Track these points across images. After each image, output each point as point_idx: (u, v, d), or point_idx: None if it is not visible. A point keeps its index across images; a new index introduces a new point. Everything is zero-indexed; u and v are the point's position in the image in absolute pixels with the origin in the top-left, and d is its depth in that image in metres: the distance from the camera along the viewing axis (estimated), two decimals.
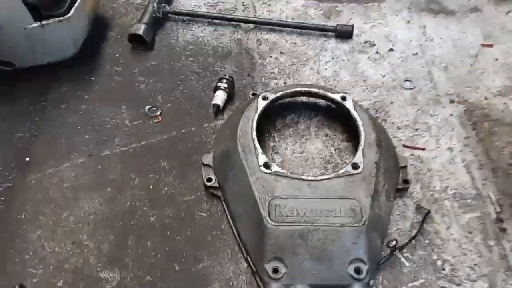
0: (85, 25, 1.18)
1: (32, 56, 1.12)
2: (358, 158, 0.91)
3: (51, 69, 1.16)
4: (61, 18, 1.08)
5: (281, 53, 1.26)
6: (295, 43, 1.29)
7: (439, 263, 0.90)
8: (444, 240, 0.93)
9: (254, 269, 0.85)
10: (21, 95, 1.15)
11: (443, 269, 0.89)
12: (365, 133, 0.94)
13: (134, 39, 1.25)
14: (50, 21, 1.07)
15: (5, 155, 1.04)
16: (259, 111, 0.98)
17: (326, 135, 1.08)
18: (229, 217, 0.94)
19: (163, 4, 1.31)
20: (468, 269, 0.89)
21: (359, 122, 0.96)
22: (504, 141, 1.08)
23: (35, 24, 1.05)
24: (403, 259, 0.90)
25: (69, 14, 1.08)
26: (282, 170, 0.89)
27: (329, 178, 0.88)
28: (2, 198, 0.97)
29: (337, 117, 1.10)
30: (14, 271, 0.88)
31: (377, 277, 0.87)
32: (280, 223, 0.83)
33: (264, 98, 1.01)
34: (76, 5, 1.10)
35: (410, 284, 0.87)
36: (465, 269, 0.89)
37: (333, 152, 1.05)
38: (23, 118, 1.11)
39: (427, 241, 0.92)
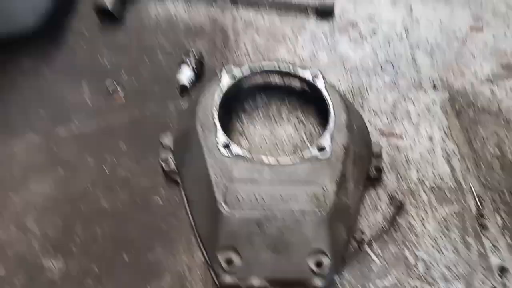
0: None
1: None
2: (326, 141, 0.83)
3: (11, 41, 1.09)
4: None
5: (257, 30, 1.18)
6: (272, 21, 1.21)
7: (412, 260, 0.82)
8: (419, 235, 0.85)
9: (208, 261, 0.78)
10: None
11: (416, 268, 0.81)
12: (335, 115, 0.87)
13: (103, 12, 1.17)
14: None
15: None
16: (223, 87, 0.90)
17: (298, 120, 1.01)
18: (185, 203, 0.86)
19: None
20: (443, 269, 0.81)
21: (329, 102, 0.88)
22: (489, 131, 1.00)
23: None
24: (372, 255, 0.82)
25: None
26: (243, 152, 0.82)
27: (293, 164, 0.81)
28: None
29: (310, 100, 1.02)
30: None
31: (343, 273, 0.80)
32: (236, 208, 0.76)
33: (229, 73, 0.93)
34: None
35: (379, 282, 0.80)
36: (440, 268, 0.81)
37: (304, 137, 0.98)
38: None
39: (399, 237, 0.85)
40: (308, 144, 0.96)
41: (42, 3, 1.10)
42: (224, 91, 0.91)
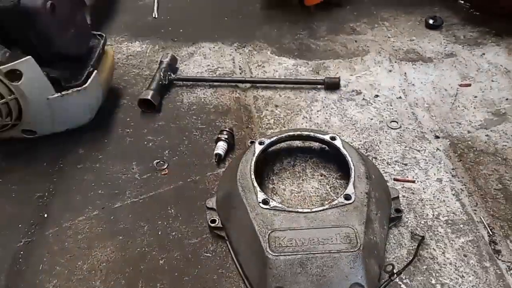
0: (100, 95, 1.32)
1: (52, 124, 1.25)
2: (350, 189, 0.97)
3: (68, 134, 1.29)
4: (79, 88, 1.21)
5: (276, 106, 1.38)
6: (288, 96, 1.41)
7: (438, 287, 0.92)
8: (441, 264, 0.96)
9: None
10: (41, 159, 1.26)
11: None
12: (355, 167, 1.02)
13: (144, 103, 1.38)
14: (69, 91, 1.20)
15: (25, 213, 1.13)
16: (256, 154, 1.07)
17: (321, 175, 1.16)
18: (233, 254, 0.99)
19: (168, 73, 1.46)
20: None
21: (349, 158, 1.04)
22: (490, 169, 1.14)
23: (56, 95, 1.18)
24: (402, 285, 0.93)
25: (85, 85, 1.22)
26: (280, 205, 0.96)
27: (323, 210, 0.94)
28: (22, 252, 1.04)
29: (330, 158, 1.18)
30: None
31: None
32: (280, 253, 0.88)
33: (261, 143, 1.11)
34: (91, 77, 1.25)
35: None
36: None
37: (329, 189, 1.12)
38: (42, 178, 1.21)
39: (424, 267, 0.95)
40: (334, 196, 1.10)
41: (96, 102, 1.30)
42: (256, 158, 1.08)
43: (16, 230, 1.08)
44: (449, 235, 1.01)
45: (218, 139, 1.24)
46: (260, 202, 0.97)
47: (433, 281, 0.93)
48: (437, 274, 0.94)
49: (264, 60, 1.57)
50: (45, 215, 1.12)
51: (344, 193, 0.97)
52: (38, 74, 1.14)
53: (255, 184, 1.01)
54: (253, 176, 1.03)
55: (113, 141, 1.31)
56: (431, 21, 1.64)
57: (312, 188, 1.13)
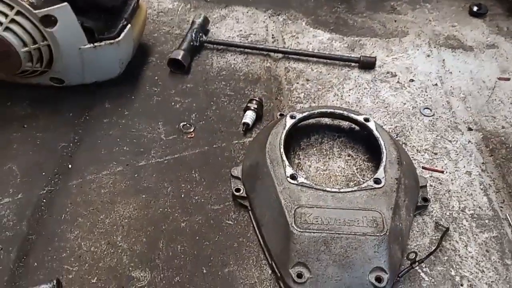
0: (131, 50, 1.30)
1: (82, 75, 1.24)
2: (380, 173, 0.96)
3: (96, 87, 1.28)
4: (112, 41, 1.19)
5: (307, 80, 1.35)
6: (320, 71, 1.38)
7: (457, 278, 0.93)
8: (462, 257, 0.96)
9: (279, 274, 0.89)
10: (67, 109, 1.25)
11: (461, 285, 0.91)
12: (387, 151, 1.00)
13: (173, 63, 1.36)
14: (102, 43, 1.18)
15: (49, 161, 1.13)
16: (287, 127, 1.06)
17: (349, 155, 1.15)
18: (255, 225, 0.99)
19: (200, 34, 1.43)
20: (485, 286, 0.91)
21: (381, 141, 1.02)
22: None
23: (88, 45, 1.16)
24: (422, 274, 0.93)
25: (118, 38, 1.20)
26: (308, 182, 0.95)
27: (352, 191, 0.94)
28: (44, 200, 1.05)
29: (359, 138, 1.17)
30: (52, 267, 0.94)
31: None
32: (305, 229, 0.88)
33: (292, 117, 1.09)
34: (125, 31, 1.22)
35: None
36: (483, 286, 0.91)
37: (355, 170, 1.11)
38: (67, 129, 1.20)
39: (445, 258, 0.96)
40: (360, 178, 1.09)
41: (127, 56, 1.28)
42: (286, 132, 1.06)
43: (40, 178, 1.09)
44: (473, 229, 1.00)
45: (247, 108, 1.22)
46: (288, 177, 0.96)
47: (453, 273, 0.93)
48: (457, 266, 0.94)
49: (298, 31, 1.52)
50: (69, 166, 1.12)
51: (374, 177, 0.96)
52: (73, 22, 1.11)
53: (284, 158, 1.00)
54: (282, 150, 1.02)
55: (140, 98, 1.30)
56: (475, 8, 1.58)
57: (338, 167, 1.12)
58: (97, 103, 1.28)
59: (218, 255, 0.96)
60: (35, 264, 0.94)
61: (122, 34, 1.20)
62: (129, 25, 1.23)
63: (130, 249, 0.97)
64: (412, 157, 1.13)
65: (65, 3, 1.08)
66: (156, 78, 1.36)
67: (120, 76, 1.29)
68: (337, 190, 0.94)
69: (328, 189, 0.94)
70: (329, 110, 1.11)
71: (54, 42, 1.12)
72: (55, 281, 0.89)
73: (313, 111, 1.11)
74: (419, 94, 1.31)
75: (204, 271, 0.94)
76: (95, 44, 1.17)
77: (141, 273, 0.94)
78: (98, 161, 1.13)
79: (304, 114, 1.11)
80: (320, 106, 1.15)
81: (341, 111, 1.11)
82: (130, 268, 0.94)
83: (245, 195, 1.03)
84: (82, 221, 1.02)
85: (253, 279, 0.93)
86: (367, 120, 1.08)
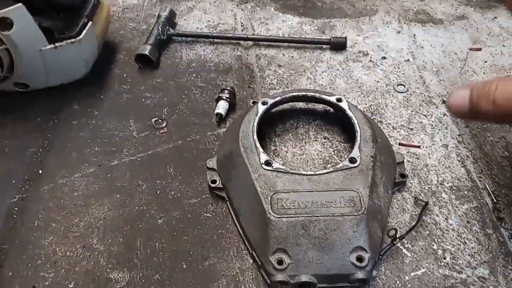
0: (95, 48, 1.26)
1: (46, 78, 1.19)
2: (355, 152, 0.95)
3: (63, 89, 1.24)
4: (73, 40, 1.15)
5: (279, 65, 1.33)
6: (292, 56, 1.36)
7: (439, 252, 0.92)
8: (444, 230, 0.95)
9: (260, 262, 0.88)
10: (34, 114, 1.21)
11: (444, 258, 0.91)
12: (361, 130, 0.99)
13: (141, 59, 1.33)
14: (63, 43, 1.14)
15: (19, 169, 1.09)
16: (259, 114, 1.04)
17: (325, 138, 1.13)
18: (233, 215, 0.97)
19: (167, 27, 1.40)
20: (468, 257, 0.90)
21: (354, 120, 1.01)
22: (497, 136, 1.12)
23: (49, 46, 1.12)
24: (404, 250, 0.92)
25: (80, 37, 1.16)
26: (283, 167, 0.93)
27: (327, 172, 0.92)
28: (16, 208, 1.01)
29: (334, 120, 1.15)
30: (27, 276, 0.91)
31: (379, 267, 0.89)
32: (282, 215, 0.86)
33: (264, 103, 1.07)
34: (86, 28, 1.18)
35: (412, 274, 0.89)
36: (466, 257, 0.90)
37: (332, 152, 1.09)
38: (36, 134, 1.17)
39: (427, 232, 0.95)
40: (338, 159, 1.07)
41: (91, 55, 1.25)
42: (259, 119, 1.04)
43: (10, 186, 1.05)
44: (453, 202, 0.99)
45: (219, 98, 1.19)
46: (262, 164, 0.94)
47: (435, 247, 0.92)
48: (439, 240, 0.93)
49: (267, 17, 1.50)
50: (40, 171, 1.09)
51: (349, 156, 0.94)
52: (30, 23, 1.07)
53: (258, 145, 0.98)
54: (255, 137, 0.99)
55: (109, 97, 1.26)
56: None
57: (315, 151, 1.10)
58: (65, 105, 1.24)
59: (198, 249, 0.94)
60: (10, 273, 0.91)
61: (83, 32, 1.17)
62: (90, 23, 1.19)
63: (107, 250, 0.95)
64: (388, 134, 1.12)
65: (19, 4, 1.04)
66: (124, 75, 1.33)
67: (87, 76, 1.25)
68: (312, 172, 0.92)
69: (303, 172, 0.92)
70: (301, 93, 1.09)
71: (13, 45, 1.08)
72: None
73: (285, 96, 1.09)
74: (392, 71, 1.30)
75: (184, 266, 0.92)
76: (56, 44, 1.13)
77: (120, 274, 0.91)
78: (69, 164, 1.10)
79: (276, 99, 1.08)
80: (292, 90, 1.13)
81: (313, 93, 1.09)
82: (108, 270, 0.91)
83: (222, 186, 1.00)
84: (55, 226, 0.98)
85: (234, 270, 0.91)
86: (339, 100, 1.07)
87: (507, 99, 0.73)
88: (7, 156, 1.11)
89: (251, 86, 1.28)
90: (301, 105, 1.20)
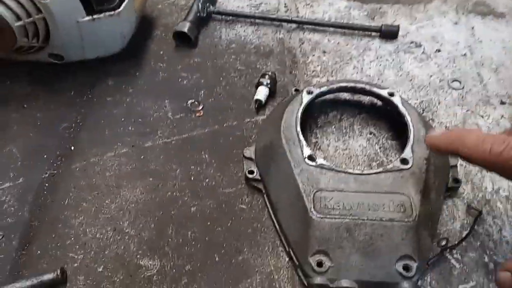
0: (133, 22, 1.21)
1: (82, 50, 1.15)
2: (407, 153, 0.88)
3: (98, 63, 1.19)
4: (112, 12, 1.10)
5: (324, 52, 1.26)
6: (338, 42, 1.28)
7: (491, 265, 0.85)
8: (497, 242, 0.88)
9: (297, 262, 0.83)
10: (68, 87, 1.18)
11: (496, 272, 0.84)
12: (414, 129, 0.92)
13: (179, 36, 1.27)
14: (101, 15, 1.09)
15: (51, 144, 1.06)
16: (303, 104, 0.97)
17: (371, 133, 1.06)
18: (270, 210, 0.92)
19: (207, 4, 1.33)
20: None
21: (408, 117, 0.94)
22: None
23: (87, 18, 1.08)
24: (453, 260, 0.86)
25: (119, 9, 1.11)
26: (327, 163, 0.87)
27: (377, 173, 0.86)
28: (47, 185, 0.99)
29: (382, 115, 1.08)
30: (56, 256, 0.88)
31: (426, 278, 0.83)
32: (325, 215, 0.81)
33: (309, 92, 1.00)
34: (126, 1, 1.13)
35: (460, 286, 0.83)
36: None
37: (378, 150, 1.03)
38: (69, 109, 1.13)
39: (478, 243, 0.88)
40: (384, 158, 1.00)
41: (129, 29, 1.20)
42: (303, 109, 0.98)
43: (41, 161, 1.03)
44: (508, 212, 0.92)
45: (259, 84, 1.13)
46: (305, 158, 0.89)
47: (486, 259, 0.86)
48: (491, 252, 0.86)
49: None
50: (72, 148, 1.05)
51: (401, 157, 0.87)
52: None
53: (301, 137, 0.92)
54: (299, 129, 0.93)
55: (145, 75, 1.22)
56: None
57: (360, 146, 1.03)
58: (99, 80, 1.20)
59: (231, 241, 0.90)
60: (38, 252, 0.89)
61: (123, 5, 1.11)
62: None
63: (138, 235, 0.91)
64: None
65: None
66: (161, 52, 1.27)
67: (123, 51, 1.20)
68: (360, 172, 0.86)
69: (350, 171, 0.86)
70: (349, 84, 1.02)
71: (50, 15, 1.04)
72: (59, 271, 0.84)
73: (332, 86, 1.02)
74: (446, 66, 1.21)
75: (217, 258, 0.88)
76: (94, 16, 1.08)
77: (150, 261, 0.88)
78: (102, 142, 1.07)
79: (322, 89, 1.02)
80: (339, 80, 1.06)
81: (362, 85, 1.02)
82: (138, 256, 0.88)
83: (259, 178, 0.95)
84: (86, 206, 0.96)
85: (269, 267, 0.86)
86: (391, 94, 0.99)
87: None
88: (40, 130, 1.09)
89: (293, 72, 1.21)
90: (345, 95, 1.12)
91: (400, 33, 1.27)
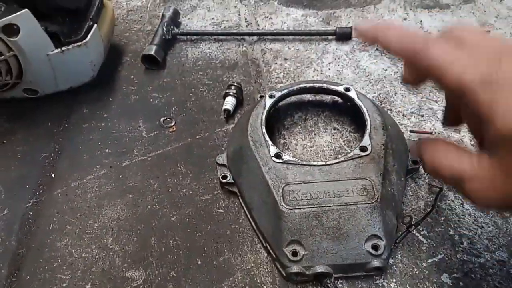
0: (101, 51, 1.26)
1: (54, 82, 1.21)
2: (366, 141, 0.94)
3: (71, 93, 1.25)
4: (79, 43, 1.16)
5: (285, 59, 1.33)
6: (297, 49, 1.35)
7: (456, 237, 0.90)
8: (460, 215, 0.93)
9: (274, 255, 0.87)
10: (44, 119, 1.23)
11: (462, 243, 0.89)
12: (370, 118, 0.98)
13: (147, 60, 1.33)
14: (70, 47, 1.15)
15: (32, 174, 1.10)
16: (267, 107, 1.03)
17: (334, 129, 1.12)
18: (245, 210, 0.97)
19: (171, 27, 1.40)
20: (486, 241, 0.89)
21: (364, 109, 1.00)
22: None
23: (56, 51, 1.13)
24: (420, 237, 0.91)
25: (86, 40, 1.17)
26: (293, 159, 0.93)
27: (338, 162, 0.91)
28: (31, 213, 1.03)
29: (343, 111, 1.14)
30: (45, 278, 0.92)
31: (396, 255, 0.88)
32: (294, 206, 0.86)
33: (271, 96, 1.06)
34: (92, 31, 1.19)
35: (429, 260, 0.87)
36: (484, 241, 0.89)
37: (342, 143, 1.08)
38: (47, 139, 1.18)
39: (442, 218, 0.93)
40: (348, 150, 1.06)
41: (98, 58, 1.25)
42: (267, 112, 1.03)
43: (24, 191, 1.06)
44: None
45: (226, 95, 1.19)
46: (272, 156, 0.94)
47: (452, 232, 0.91)
48: (455, 225, 0.92)
49: (271, 11, 1.49)
50: (53, 175, 1.10)
51: (360, 145, 0.93)
52: (36, 28, 1.08)
53: (267, 138, 0.97)
54: (264, 130, 0.99)
55: (117, 99, 1.27)
56: None
57: (325, 142, 1.09)
58: (74, 109, 1.25)
59: (212, 244, 0.94)
60: (28, 277, 0.92)
61: (89, 35, 1.17)
62: (95, 25, 1.20)
63: (122, 250, 0.95)
64: (399, 122, 1.10)
65: (25, 9, 1.05)
66: (132, 77, 1.33)
67: (95, 79, 1.26)
68: (323, 163, 0.91)
69: (314, 163, 0.92)
70: (308, 85, 1.08)
71: (21, 51, 1.09)
72: None
73: (292, 88, 1.08)
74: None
75: (199, 262, 0.92)
76: (63, 48, 1.14)
77: (135, 272, 0.92)
78: (81, 167, 1.11)
79: (283, 91, 1.08)
80: (299, 82, 1.12)
81: (320, 84, 1.08)
82: (124, 269, 0.92)
83: (233, 181, 1.00)
84: (70, 228, 0.99)
85: (249, 264, 0.90)
86: (347, 89, 1.06)
87: None
88: (20, 162, 1.13)
89: (258, 81, 1.27)
90: (308, 97, 1.19)
91: (354, 33, 1.34)
